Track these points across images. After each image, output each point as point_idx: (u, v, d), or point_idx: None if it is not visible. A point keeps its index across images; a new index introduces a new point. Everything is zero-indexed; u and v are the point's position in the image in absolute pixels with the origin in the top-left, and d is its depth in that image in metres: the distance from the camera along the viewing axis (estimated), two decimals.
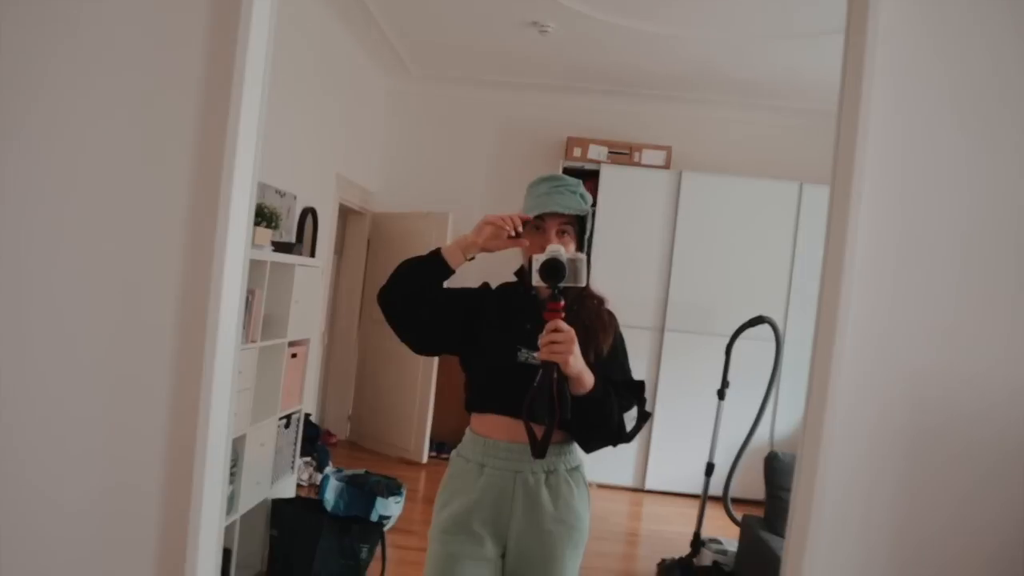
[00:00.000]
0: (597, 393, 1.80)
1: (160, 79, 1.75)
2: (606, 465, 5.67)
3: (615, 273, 5.74)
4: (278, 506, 3.50)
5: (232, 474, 3.08)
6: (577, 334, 1.74)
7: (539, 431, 1.77)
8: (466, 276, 1.97)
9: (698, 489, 4.51)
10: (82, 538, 1.77)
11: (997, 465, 1.71)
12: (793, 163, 6.10)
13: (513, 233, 1.84)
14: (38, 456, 1.77)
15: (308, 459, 4.98)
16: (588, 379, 1.78)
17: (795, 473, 1.76)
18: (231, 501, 3.07)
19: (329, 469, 4.77)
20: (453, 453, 2.01)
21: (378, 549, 3.62)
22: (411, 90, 6.60)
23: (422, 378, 5.89)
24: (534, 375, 1.74)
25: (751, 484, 4.97)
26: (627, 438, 1.91)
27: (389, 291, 1.92)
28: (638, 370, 2.05)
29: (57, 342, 1.76)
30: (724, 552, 4.04)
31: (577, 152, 6.09)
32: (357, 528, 3.53)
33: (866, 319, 1.69)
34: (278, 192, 4.34)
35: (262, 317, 3.28)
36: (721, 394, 4.32)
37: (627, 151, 6.10)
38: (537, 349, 1.75)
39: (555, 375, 1.73)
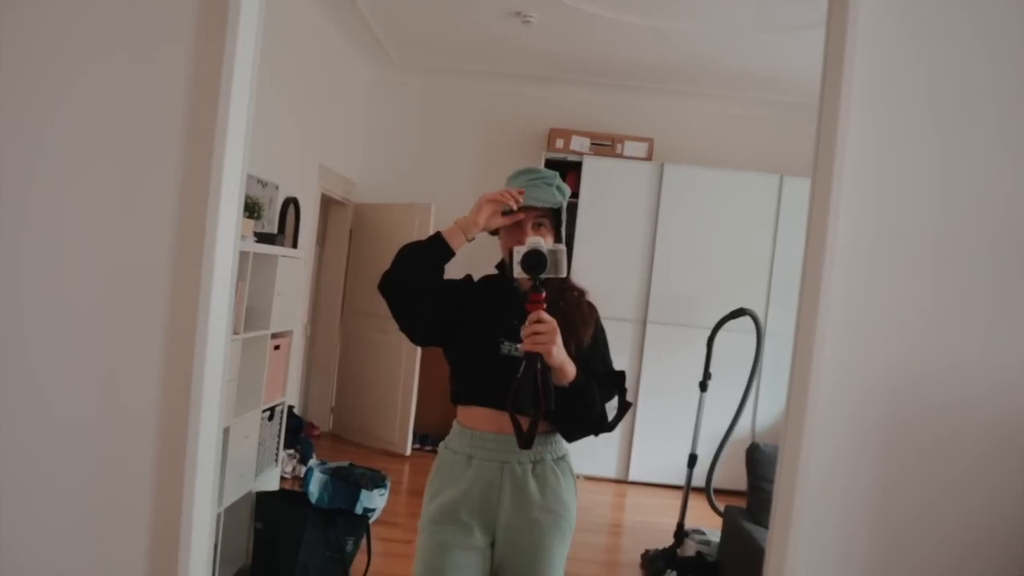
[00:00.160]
0: (579, 383, 1.82)
1: (149, 73, 1.76)
2: (590, 457, 5.70)
3: (597, 265, 5.76)
4: (262, 499, 3.49)
5: None
6: (559, 326, 1.76)
7: (524, 422, 1.78)
8: (448, 269, 1.97)
9: (681, 480, 4.54)
10: (75, 528, 1.78)
11: (974, 455, 1.74)
12: (774, 156, 6.13)
13: (514, 206, 1.86)
14: (32, 443, 1.77)
15: (291, 451, 4.97)
16: (570, 370, 1.80)
17: (778, 463, 1.79)
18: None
19: (313, 461, 4.76)
20: (441, 445, 2.03)
21: (363, 542, 3.62)
22: (394, 80, 6.57)
23: (405, 370, 5.89)
24: (517, 367, 1.76)
25: (733, 475, 5.00)
26: (609, 428, 1.93)
27: (391, 276, 1.91)
28: (620, 362, 2.07)
29: (49, 329, 1.77)
30: (707, 542, 4.07)
31: (559, 143, 6.09)
32: (342, 520, 3.53)
33: (846, 312, 1.71)
34: (260, 182, 4.31)
35: (245, 309, 3.26)
36: (703, 386, 4.35)
37: (609, 143, 6.11)
38: (520, 341, 1.77)
39: (538, 366, 1.74)
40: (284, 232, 4.56)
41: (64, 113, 1.76)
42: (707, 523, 4.38)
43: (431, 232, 1.96)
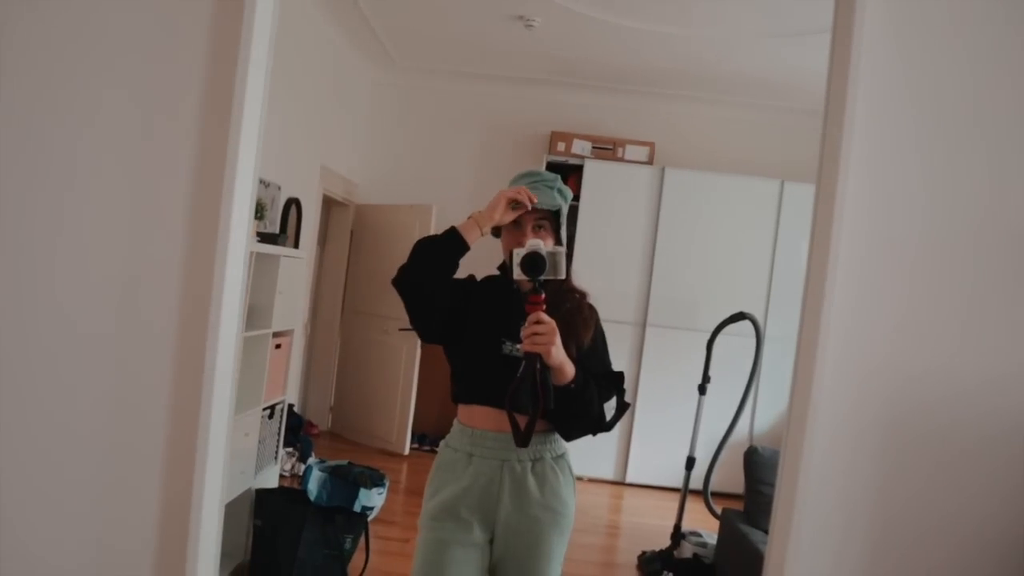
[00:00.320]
0: (578, 383, 1.84)
1: (163, 75, 1.78)
2: (588, 458, 5.71)
3: (598, 268, 5.78)
4: (262, 496, 3.50)
5: None
6: (558, 327, 1.78)
7: (522, 421, 1.80)
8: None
9: (678, 483, 4.56)
10: (83, 522, 1.80)
11: (974, 460, 1.75)
12: (775, 161, 6.15)
13: (529, 206, 1.89)
14: (44, 435, 1.79)
15: (290, 450, 4.98)
16: (569, 370, 1.82)
17: (779, 467, 1.80)
18: None
19: (312, 460, 4.77)
20: (441, 443, 2.05)
21: (361, 540, 3.63)
22: (396, 82, 6.59)
23: (404, 370, 5.90)
24: (518, 367, 1.78)
25: (731, 478, 5.02)
26: (607, 427, 1.95)
27: (408, 270, 1.92)
28: (620, 365, 2.09)
29: (63, 326, 1.79)
30: (704, 545, 4.08)
31: (561, 146, 6.10)
32: (341, 518, 3.54)
33: (848, 317, 1.73)
34: (263, 182, 4.33)
35: (247, 307, 3.28)
36: (702, 389, 4.36)
37: (611, 146, 6.13)
38: (520, 341, 1.78)
39: (538, 366, 1.76)
40: (286, 232, 4.57)
41: (79, 114, 1.78)
42: (704, 525, 4.40)
43: (432, 232, 1.98)
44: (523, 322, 1.77)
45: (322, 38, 5.37)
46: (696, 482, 4.39)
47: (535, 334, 1.75)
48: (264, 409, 3.64)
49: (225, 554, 3.34)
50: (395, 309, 2.01)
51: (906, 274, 1.74)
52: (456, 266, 1.93)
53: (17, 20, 1.76)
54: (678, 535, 4.19)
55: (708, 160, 6.27)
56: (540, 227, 1.96)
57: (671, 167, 5.99)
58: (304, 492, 3.85)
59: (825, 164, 1.74)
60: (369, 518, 3.91)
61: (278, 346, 3.76)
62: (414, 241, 1.95)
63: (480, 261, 2.31)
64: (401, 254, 1.94)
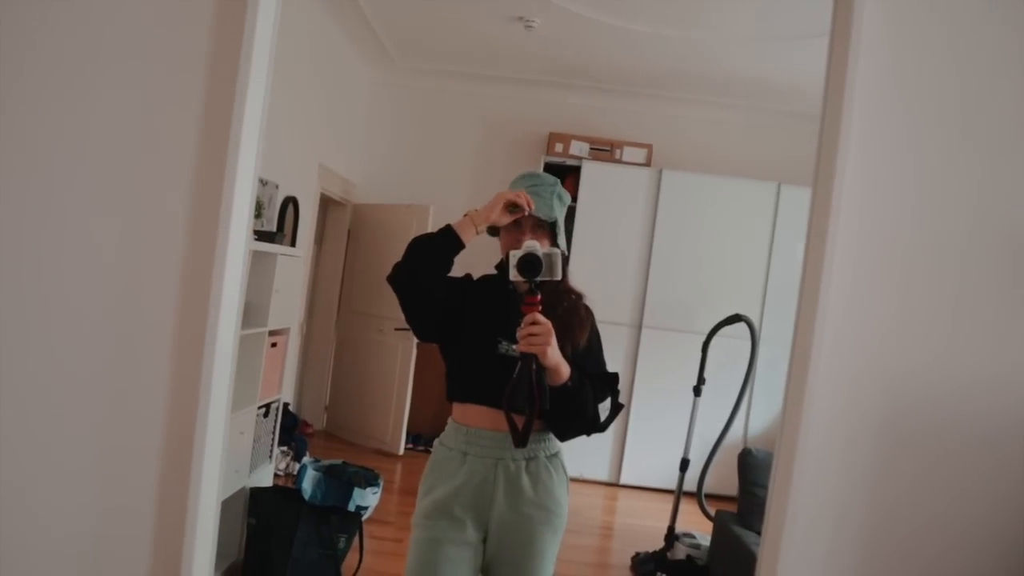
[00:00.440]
0: (573, 384, 1.86)
1: (164, 72, 1.78)
2: (582, 459, 5.72)
3: (594, 269, 5.78)
4: (256, 494, 3.50)
5: None
6: (555, 327, 1.79)
7: (519, 421, 1.81)
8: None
9: (672, 484, 4.57)
10: (78, 519, 1.80)
11: (969, 463, 1.76)
12: (772, 164, 6.17)
13: (526, 211, 1.90)
14: (39, 432, 1.79)
15: (285, 448, 4.98)
16: (565, 370, 1.84)
17: (772, 469, 1.81)
18: None
19: (307, 459, 4.78)
20: (436, 442, 2.05)
21: (356, 539, 3.63)
22: (395, 81, 6.59)
23: (400, 370, 5.90)
24: (513, 367, 1.79)
25: (725, 480, 5.04)
26: (601, 428, 1.97)
27: (403, 267, 1.93)
28: (615, 366, 2.10)
29: (61, 322, 1.79)
30: (697, 546, 4.09)
31: (559, 148, 6.11)
32: (335, 518, 3.54)
33: (844, 320, 1.73)
34: (261, 180, 4.32)
35: (243, 305, 3.28)
36: (697, 391, 4.37)
37: (608, 148, 6.13)
38: (516, 342, 1.80)
39: (534, 366, 1.77)
40: (283, 231, 4.57)
41: (79, 112, 1.77)
42: (698, 527, 4.40)
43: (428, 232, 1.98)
44: (519, 322, 1.78)
45: (322, 37, 5.37)
46: (690, 484, 4.40)
47: (531, 335, 1.76)
48: (259, 408, 3.64)
49: (219, 553, 3.35)
50: (391, 309, 2.02)
51: (900, 276, 1.75)
52: (451, 264, 1.95)
53: (18, 18, 1.76)
54: (672, 536, 4.20)
55: (705, 162, 6.29)
56: (539, 228, 1.97)
57: (668, 169, 6.00)
58: (298, 491, 3.86)
59: (821, 167, 1.74)
60: (363, 518, 3.92)
61: (274, 344, 3.76)
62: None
63: (478, 260, 2.32)
64: (398, 254, 1.94)
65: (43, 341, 1.78)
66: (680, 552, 4.12)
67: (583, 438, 1.99)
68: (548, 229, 1.99)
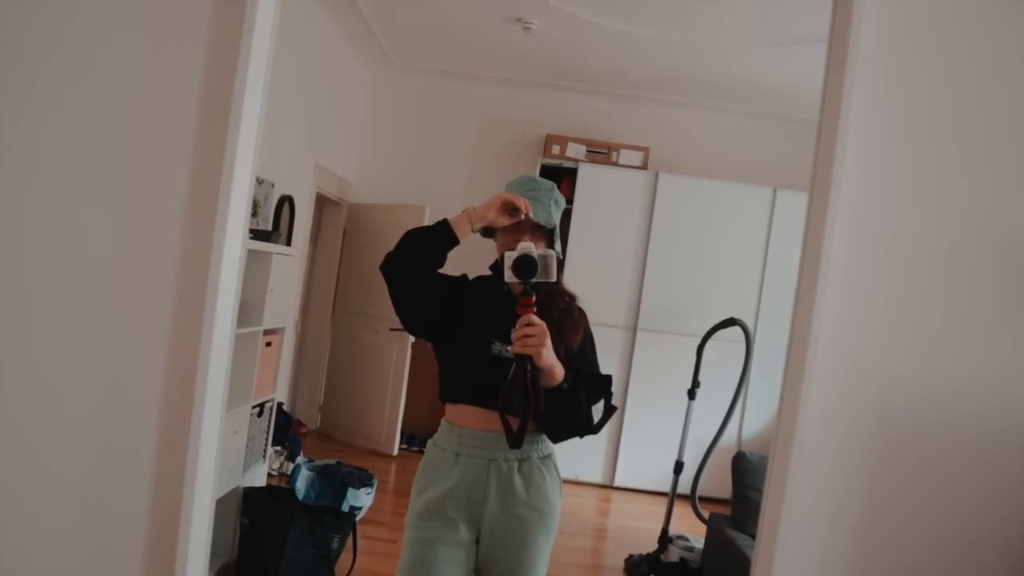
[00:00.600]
0: (567, 386, 1.86)
1: (161, 71, 1.78)
2: (576, 461, 5.72)
3: (590, 271, 5.79)
4: (250, 494, 3.49)
5: None
6: (549, 329, 1.79)
7: (514, 423, 1.81)
8: (445, 265, 2.00)
9: (666, 487, 4.57)
10: (72, 520, 1.80)
11: (963, 469, 1.77)
12: (768, 168, 6.18)
13: (522, 215, 1.91)
14: (35, 439, 1.79)
15: (279, 448, 4.97)
16: (559, 372, 1.84)
17: (767, 473, 1.81)
18: None
19: (301, 459, 4.77)
20: (429, 442, 2.05)
21: (349, 539, 3.63)
22: (392, 81, 6.59)
23: (394, 370, 5.90)
24: (507, 368, 1.79)
25: (719, 483, 5.03)
26: (594, 430, 1.97)
27: (395, 257, 1.93)
28: (610, 368, 2.11)
29: (52, 322, 1.78)
30: (691, 549, 4.10)
31: (556, 150, 6.11)
32: (329, 518, 3.54)
33: (839, 325, 1.74)
34: (257, 179, 4.31)
35: (239, 304, 3.27)
36: (692, 394, 4.38)
37: (605, 150, 6.14)
38: (510, 343, 1.80)
39: (529, 368, 1.77)
40: (279, 229, 4.57)
41: (76, 108, 1.77)
42: (691, 530, 4.41)
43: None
44: (514, 324, 1.78)
45: (320, 36, 5.36)
46: (684, 486, 4.40)
47: (526, 336, 1.76)
48: (253, 407, 3.63)
49: (212, 552, 3.34)
50: (386, 309, 2.02)
51: (894, 280, 1.76)
52: (443, 258, 1.95)
53: (13, 17, 1.76)
54: (665, 539, 4.20)
55: (701, 166, 6.30)
56: (537, 231, 1.98)
57: (665, 172, 6.00)
58: (292, 491, 3.85)
59: (818, 172, 1.75)
60: (357, 518, 3.91)
61: (268, 344, 3.75)
62: None
63: (474, 261, 2.32)
64: None
65: (37, 339, 1.78)
66: (674, 554, 4.12)
67: (577, 440, 2.00)
68: (545, 233, 2.00)
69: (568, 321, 1.97)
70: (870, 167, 1.74)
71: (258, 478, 3.85)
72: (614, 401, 2.02)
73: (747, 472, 3.65)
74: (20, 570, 1.79)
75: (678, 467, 4.36)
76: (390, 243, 1.99)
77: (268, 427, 3.94)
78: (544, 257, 1.81)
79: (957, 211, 1.76)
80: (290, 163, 5.03)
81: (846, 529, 1.76)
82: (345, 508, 4.00)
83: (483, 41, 5.61)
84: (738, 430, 5.72)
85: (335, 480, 4.21)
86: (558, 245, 2.01)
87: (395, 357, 5.89)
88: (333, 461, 4.58)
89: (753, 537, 3.36)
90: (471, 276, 2.10)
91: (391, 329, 5.81)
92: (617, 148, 6.15)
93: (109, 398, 1.77)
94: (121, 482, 1.78)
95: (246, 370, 3.47)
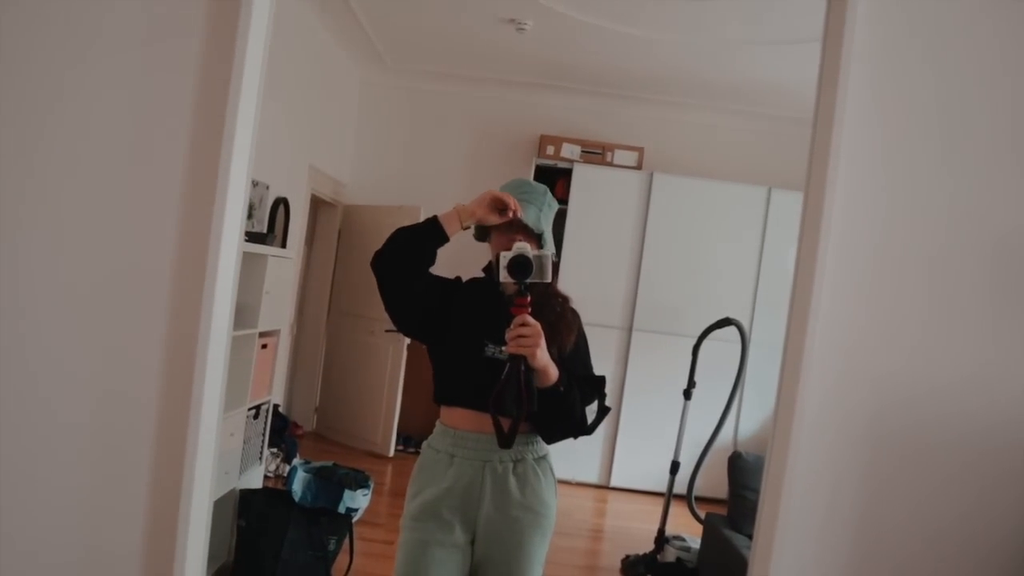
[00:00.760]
0: (561, 386, 1.86)
1: (157, 71, 1.77)
2: (572, 462, 5.72)
3: (585, 272, 5.79)
4: (246, 496, 3.49)
5: None
6: (543, 330, 1.79)
7: (506, 423, 1.82)
8: (437, 267, 2.00)
9: (662, 487, 4.57)
10: (69, 522, 1.80)
11: (957, 469, 1.78)
12: (762, 168, 6.19)
13: (510, 214, 1.91)
14: (30, 433, 1.79)
15: (275, 450, 4.96)
16: (553, 372, 1.84)
17: (764, 473, 1.82)
18: None
19: (297, 461, 4.76)
20: (424, 444, 2.05)
21: (346, 541, 3.63)
22: (386, 83, 6.59)
23: (390, 372, 5.89)
24: (500, 370, 1.79)
25: (715, 483, 5.04)
26: (588, 430, 1.97)
27: (384, 254, 1.93)
28: (605, 369, 2.11)
29: (51, 324, 1.79)
30: (687, 549, 4.10)
31: (550, 150, 6.12)
32: (325, 520, 3.54)
33: (834, 325, 1.75)
34: (251, 181, 4.31)
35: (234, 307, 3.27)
36: (687, 394, 4.39)
37: (600, 151, 6.14)
38: (504, 344, 1.80)
39: (522, 368, 1.77)
40: (274, 231, 4.56)
41: (71, 115, 1.77)
42: (688, 530, 4.41)
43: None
44: (508, 324, 1.78)
45: (312, 37, 5.36)
46: (680, 487, 4.40)
47: (521, 336, 1.76)
48: (249, 409, 3.63)
49: (209, 555, 3.33)
50: (381, 311, 2.01)
51: (887, 280, 1.77)
52: (434, 256, 1.95)
53: (6, 20, 1.76)
54: (662, 539, 4.21)
55: (696, 166, 6.31)
56: (528, 231, 1.98)
57: (660, 172, 6.01)
58: (289, 493, 3.85)
59: (813, 173, 1.76)
60: (353, 519, 3.91)
61: (264, 346, 3.75)
62: None
63: (467, 262, 2.33)
64: None
65: (33, 343, 1.78)
66: (670, 555, 4.13)
67: (572, 440, 2.00)
68: (536, 236, 2.01)
69: (562, 322, 1.97)
70: (863, 167, 1.75)
71: (254, 480, 3.84)
72: (608, 401, 2.02)
73: (743, 472, 3.66)
74: (19, 573, 1.79)
75: (674, 467, 4.37)
76: None
77: (264, 429, 3.94)
78: (540, 258, 1.82)
79: (948, 211, 1.77)
80: (284, 165, 5.02)
81: (841, 527, 1.77)
82: (341, 510, 4.00)
83: (477, 42, 5.62)
84: (734, 430, 5.73)
85: (331, 482, 4.21)
86: (550, 246, 2.01)
87: (391, 359, 5.88)
88: (329, 463, 4.58)
89: (749, 537, 3.36)
90: (464, 279, 2.10)
91: (386, 330, 5.80)
92: (612, 148, 6.16)
93: (107, 400, 1.77)
94: (119, 485, 1.78)
95: (242, 372, 3.47)
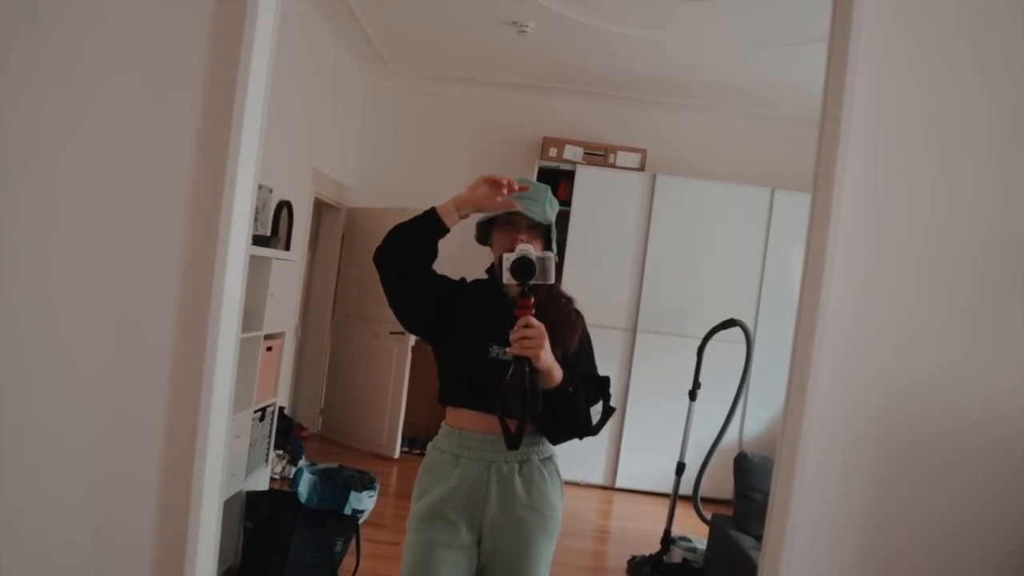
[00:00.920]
0: (565, 387, 1.86)
1: (164, 75, 1.78)
2: (577, 463, 5.73)
3: (588, 273, 5.80)
4: (253, 498, 3.50)
5: None
6: (547, 331, 1.79)
7: (512, 424, 1.81)
8: (442, 270, 2.01)
9: (668, 488, 4.58)
10: (78, 526, 1.80)
11: (969, 470, 1.77)
12: (766, 169, 6.19)
13: (506, 192, 1.89)
14: (41, 446, 1.79)
15: (281, 452, 4.97)
16: (557, 373, 1.84)
17: (773, 474, 1.81)
18: None
19: (303, 462, 4.77)
20: (429, 445, 2.06)
21: (352, 542, 3.63)
22: (388, 85, 6.60)
23: (395, 373, 5.90)
24: (505, 371, 1.79)
25: (720, 484, 5.04)
26: (593, 431, 1.97)
27: (385, 248, 1.93)
28: (609, 370, 2.11)
29: (58, 327, 1.79)
30: (693, 550, 4.10)
31: (553, 152, 6.12)
32: (331, 521, 3.55)
33: (844, 326, 1.74)
34: None
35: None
36: (692, 395, 4.39)
37: (602, 152, 6.15)
38: (508, 345, 1.80)
39: (526, 369, 1.77)
40: (278, 235, 4.57)
41: (77, 113, 1.77)
42: (694, 531, 4.41)
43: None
44: (512, 326, 1.78)
45: (315, 41, 5.37)
46: (686, 488, 4.41)
47: (524, 338, 1.76)
48: (255, 411, 3.64)
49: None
50: (386, 313, 2.01)
51: (900, 284, 1.76)
52: (435, 248, 1.94)
53: (11, 22, 1.76)
54: (668, 540, 4.21)
55: (699, 167, 6.30)
56: (533, 230, 1.98)
57: (662, 174, 6.01)
58: (295, 495, 3.85)
59: (820, 173, 1.75)
60: (360, 521, 3.91)
61: (269, 348, 3.76)
62: None
63: (472, 264, 2.33)
64: None
65: (43, 344, 1.78)
66: (676, 556, 4.13)
67: (578, 442, 2.00)
68: (542, 233, 2.00)
69: (566, 323, 1.97)
70: (870, 166, 1.74)
71: (261, 482, 3.85)
72: (613, 403, 2.02)
73: (749, 473, 3.65)
74: (29, 571, 1.80)
75: (680, 468, 4.37)
76: None
77: (270, 431, 3.95)
78: (543, 259, 1.82)
79: (963, 212, 1.76)
80: (288, 168, 5.03)
81: (852, 526, 1.76)
82: (347, 511, 4.00)
83: (479, 45, 5.62)
84: (739, 431, 5.72)
85: (337, 483, 4.21)
86: (554, 246, 2.02)
87: (395, 360, 5.89)
88: (335, 465, 4.58)
89: (756, 537, 3.37)
90: (469, 280, 2.11)
91: (391, 332, 5.81)
92: (614, 150, 6.16)
93: (115, 403, 1.77)
94: (129, 487, 1.78)
95: (248, 375, 3.48)
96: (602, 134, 6.39)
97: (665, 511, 4.35)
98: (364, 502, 4.21)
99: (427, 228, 1.92)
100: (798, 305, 1.79)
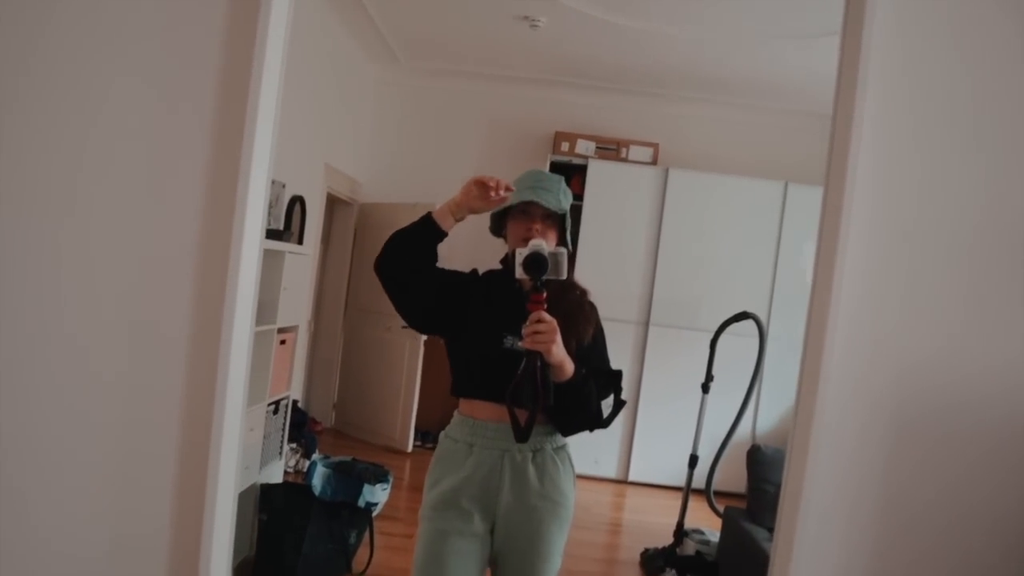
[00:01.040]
0: (577, 380, 1.86)
1: (178, 73, 1.79)
2: (590, 456, 5.73)
3: (601, 267, 5.79)
4: (267, 491, 3.52)
5: None
6: (559, 323, 1.79)
7: (522, 417, 1.82)
8: (453, 262, 2.02)
9: (680, 481, 4.58)
10: (97, 519, 1.82)
11: (981, 458, 1.77)
12: (778, 162, 6.16)
13: (494, 194, 1.89)
14: (57, 439, 1.81)
15: (294, 446, 5.00)
16: (569, 367, 1.84)
17: (785, 465, 1.81)
18: None
19: (316, 456, 4.80)
20: (442, 434, 2.06)
21: (366, 535, 3.66)
22: (401, 81, 6.61)
23: (407, 367, 5.92)
24: (519, 361, 1.79)
25: (733, 477, 5.03)
26: (604, 424, 1.97)
27: (384, 257, 1.96)
28: (622, 363, 2.12)
29: (73, 322, 1.80)
30: (707, 542, 4.10)
31: (565, 146, 6.12)
32: (345, 513, 3.57)
33: (856, 315, 1.74)
34: None
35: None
36: (705, 388, 4.38)
37: (615, 147, 6.14)
38: (522, 336, 1.80)
39: (538, 363, 1.78)
40: (290, 229, 4.60)
41: (91, 111, 1.79)
42: (707, 524, 4.41)
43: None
44: (525, 319, 1.79)
45: (327, 37, 5.38)
46: (699, 480, 4.41)
47: (536, 332, 1.77)
48: (269, 405, 3.66)
49: None
50: None
51: (911, 268, 1.76)
52: (434, 253, 1.95)
53: (25, 18, 1.78)
54: (681, 532, 4.21)
55: (712, 161, 6.29)
56: (548, 220, 1.98)
57: (675, 168, 6.00)
58: (309, 487, 3.88)
59: (833, 163, 1.75)
60: (373, 514, 3.94)
61: (283, 342, 3.78)
62: None
63: (485, 256, 2.34)
64: None
65: (59, 338, 1.80)
66: (689, 548, 4.13)
67: (590, 435, 2.00)
68: (557, 221, 2.00)
69: (580, 314, 1.98)
70: (885, 157, 1.74)
71: (275, 475, 3.88)
72: (625, 396, 2.02)
73: (762, 465, 3.65)
74: (45, 568, 1.82)
75: (693, 461, 4.37)
76: None
77: (284, 424, 3.97)
78: (555, 255, 1.82)
79: (974, 198, 1.76)
80: (300, 163, 5.05)
81: (865, 516, 1.76)
82: (361, 504, 4.03)
83: (491, 40, 5.63)
84: (752, 423, 5.72)
85: (351, 476, 4.24)
86: (568, 237, 2.02)
87: (408, 354, 5.91)
88: (348, 458, 4.61)
89: (769, 530, 3.37)
90: (481, 271, 2.11)
91: (403, 327, 5.77)
92: (627, 144, 6.16)
93: (131, 396, 1.79)
94: (145, 480, 1.80)
95: (262, 368, 3.50)
96: (614, 128, 6.38)
97: (677, 504, 4.35)
98: (377, 495, 4.23)
99: (424, 233, 1.94)
100: (810, 296, 1.79)
